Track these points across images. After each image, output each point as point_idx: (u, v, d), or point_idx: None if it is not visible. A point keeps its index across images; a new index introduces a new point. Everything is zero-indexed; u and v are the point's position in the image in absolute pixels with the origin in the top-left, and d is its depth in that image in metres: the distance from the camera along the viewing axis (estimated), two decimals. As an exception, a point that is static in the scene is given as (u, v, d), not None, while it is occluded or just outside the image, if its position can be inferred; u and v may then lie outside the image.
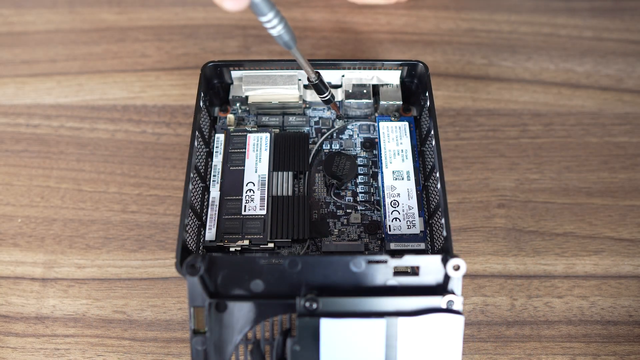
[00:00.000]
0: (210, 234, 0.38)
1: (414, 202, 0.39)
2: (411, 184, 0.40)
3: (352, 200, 0.41)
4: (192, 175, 0.37)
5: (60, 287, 0.41)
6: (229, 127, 0.43)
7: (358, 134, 0.43)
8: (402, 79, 0.43)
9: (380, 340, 0.31)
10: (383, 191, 0.40)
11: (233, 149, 0.41)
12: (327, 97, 0.41)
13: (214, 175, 0.41)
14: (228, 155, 0.41)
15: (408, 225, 0.38)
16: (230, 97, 0.43)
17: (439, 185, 0.37)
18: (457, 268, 0.31)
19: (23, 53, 0.52)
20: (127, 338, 0.40)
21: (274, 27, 0.33)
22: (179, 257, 0.34)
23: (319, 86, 0.40)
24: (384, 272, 0.31)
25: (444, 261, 0.31)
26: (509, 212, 0.44)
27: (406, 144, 0.41)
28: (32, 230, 0.43)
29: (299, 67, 0.42)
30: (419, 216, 0.39)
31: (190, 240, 0.36)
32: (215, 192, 0.40)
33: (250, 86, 0.42)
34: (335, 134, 0.43)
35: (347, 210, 0.40)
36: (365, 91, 0.43)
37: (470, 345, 0.39)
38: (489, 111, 0.49)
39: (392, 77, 0.43)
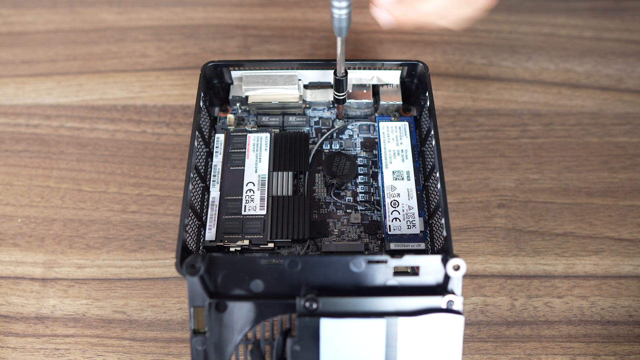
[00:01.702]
0: (210, 234, 0.38)
1: (414, 202, 0.39)
2: (411, 184, 0.40)
3: (352, 200, 0.41)
4: (192, 175, 0.37)
5: (60, 287, 0.41)
6: (229, 127, 0.43)
7: (358, 134, 0.43)
8: (402, 79, 0.43)
9: (380, 340, 0.31)
10: (383, 191, 0.40)
11: (233, 149, 0.41)
12: (343, 97, 0.41)
13: (214, 175, 0.41)
14: (228, 155, 0.41)
15: (408, 225, 0.38)
16: (230, 97, 0.43)
17: (439, 185, 0.37)
18: (457, 268, 0.31)
19: (23, 53, 0.52)
20: (127, 338, 0.40)
21: (341, 9, 0.32)
22: (179, 257, 0.34)
23: (343, 84, 0.40)
24: (384, 272, 0.31)
25: (444, 261, 0.31)
26: (509, 212, 0.44)
27: (406, 144, 0.41)
28: (32, 230, 0.43)
29: (298, 67, 0.42)
30: (419, 216, 0.39)
31: (190, 240, 0.36)
32: (215, 192, 0.40)
33: (250, 86, 0.42)
34: (335, 134, 0.43)
35: (347, 210, 0.40)
36: (365, 91, 0.43)
37: (470, 345, 0.39)
38: (489, 111, 0.49)
39: (392, 77, 0.43)
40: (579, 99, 0.49)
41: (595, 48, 0.52)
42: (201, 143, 0.40)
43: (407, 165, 0.40)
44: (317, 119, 0.44)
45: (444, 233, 0.35)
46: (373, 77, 0.43)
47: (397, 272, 0.32)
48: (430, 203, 0.39)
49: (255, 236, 0.38)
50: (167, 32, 0.54)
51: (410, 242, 0.38)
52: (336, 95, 0.41)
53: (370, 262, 0.31)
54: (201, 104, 0.41)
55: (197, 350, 0.31)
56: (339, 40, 0.36)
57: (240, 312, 0.31)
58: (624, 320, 0.40)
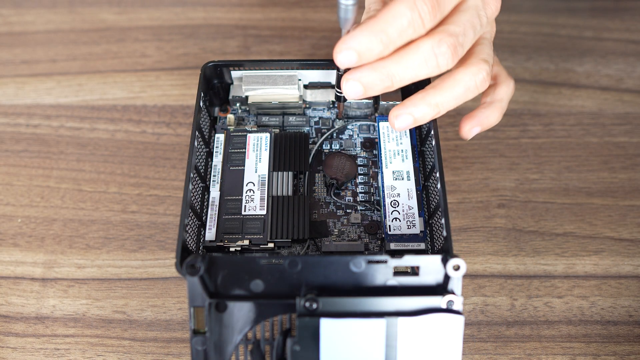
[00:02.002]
0: (210, 234, 0.38)
1: (414, 202, 0.39)
2: (411, 184, 0.40)
3: (352, 200, 0.41)
4: (192, 175, 0.37)
5: (60, 287, 0.41)
6: (229, 127, 0.43)
7: (358, 134, 0.43)
8: (402, 79, 0.43)
9: (380, 340, 0.31)
10: (383, 191, 0.40)
11: (233, 149, 0.41)
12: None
13: (214, 175, 0.41)
14: (228, 155, 0.41)
15: (408, 225, 0.38)
16: (230, 97, 0.43)
17: (439, 185, 0.37)
18: (457, 268, 0.31)
19: (23, 53, 0.52)
20: (127, 338, 0.40)
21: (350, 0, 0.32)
22: (179, 257, 0.34)
23: None
24: (384, 272, 0.31)
25: (444, 261, 0.31)
26: (509, 212, 0.44)
27: (406, 144, 0.41)
28: (32, 230, 0.43)
29: (298, 67, 0.42)
30: (419, 216, 0.39)
31: (190, 240, 0.36)
32: (215, 192, 0.40)
33: (250, 86, 0.42)
34: (335, 134, 0.43)
35: (347, 210, 0.40)
36: (365, 91, 0.43)
37: (470, 345, 0.39)
38: (489, 111, 0.49)
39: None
40: (579, 99, 0.50)
41: (595, 48, 0.53)
42: (201, 143, 0.40)
43: (407, 165, 0.40)
44: (317, 119, 0.44)
45: (444, 233, 0.35)
46: (373, 77, 0.43)
47: (397, 272, 0.32)
48: (430, 203, 0.39)
49: (255, 236, 0.38)
50: (167, 32, 0.54)
51: (410, 242, 0.38)
52: (338, 92, 0.40)
53: (370, 262, 0.31)
54: (201, 104, 0.41)
55: (197, 350, 0.31)
56: (343, 32, 0.35)
57: (240, 312, 0.31)
58: (624, 320, 0.40)
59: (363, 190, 0.41)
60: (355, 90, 0.33)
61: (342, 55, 0.31)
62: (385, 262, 0.31)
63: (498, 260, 0.42)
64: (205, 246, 0.38)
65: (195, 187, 0.39)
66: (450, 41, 0.32)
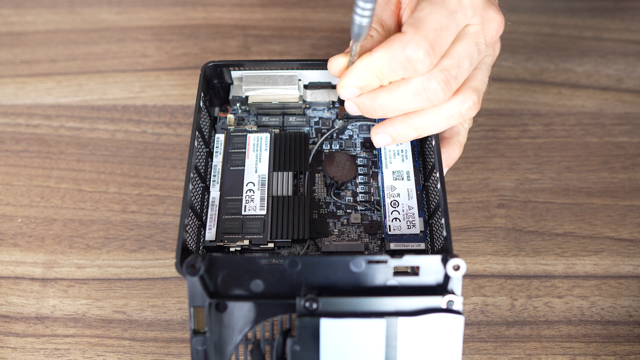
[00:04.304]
0: (210, 234, 0.38)
1: (414, 202, 0.39)
2: (411, 184, 0.40)
3: (352, 200, 0.41)
4: (192, 175, 0.37)
5: (60, 287, 0.41)
6: (229, 127, 0.43)
7: (358, 134, 0.43)
8: (402, 79, 0.43)
9: (380, 340, 0.31)
10: (383, 191, 0.40)
11: (233, 149, 0.41)
12: None
13: (214, 175, 0.41)
14: (228, 155, 0.41)
15: (408, 225, 0.38)
16: (230, 97, 0.43)
17: (439, 185, 0.37)
18: (457, 268, 0.31)
19: (23, 53, 0.52)
20: (127, 338, 0.40)
21: (364, 17, 0.32)
22: (179, 257, 0.34)
23: None
24: (384, 272, 0.31)
25: (444, 261, 0.31)
26: (509, 212, 0.44)
27: (406, 144, 0.41)
28: (32, 230, 0.43)
29: (298, 67, 0.42)
30: (419, 216, 0.39)
31: (190, 240, 0.36)
32: (215, 192, 0.40)
33: (251, 86, 0.42)
34: (335, 134, 0.43)
35: (347, 210, 0.40)
36: (365, 91, 0.43)
37: (470, 345, 0.39)
38: (489, 111, 0.49)
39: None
40: (579, 99, 0.50)
41: (595, 48, 0.53)
42: (201, 143, 0.40)
43: (407, 165, 0.40)
44: (317, 119, 0.44)
45: (444, 233, 0.35)
46: (373, 77, 0.43)
47: (397, 272, 0.32)
48: (430, 203, 0.39)
49: (255, 236, 0.38)
50: (167, 32, 0.54)
51: (410, 242, 0.38)
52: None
53: (370, 262, 0.31)
54: (201, 104, 0.41)
55: (197, 350, 0.31)
56: (355, 45, 0.35)
57: (240, 312, 0.31)
58: (624, 320, 0.40)
59: (363, 190, 0.41)
60: (352, 108, 0.35)
61: (345, 90, 0.34)
62: (385, 262, 0.31)
63: (498, 260, 0.42)
64: (205, 246, 0.38)
65: (195, 187, 0.39)
66: (441, 77, 0.32)
